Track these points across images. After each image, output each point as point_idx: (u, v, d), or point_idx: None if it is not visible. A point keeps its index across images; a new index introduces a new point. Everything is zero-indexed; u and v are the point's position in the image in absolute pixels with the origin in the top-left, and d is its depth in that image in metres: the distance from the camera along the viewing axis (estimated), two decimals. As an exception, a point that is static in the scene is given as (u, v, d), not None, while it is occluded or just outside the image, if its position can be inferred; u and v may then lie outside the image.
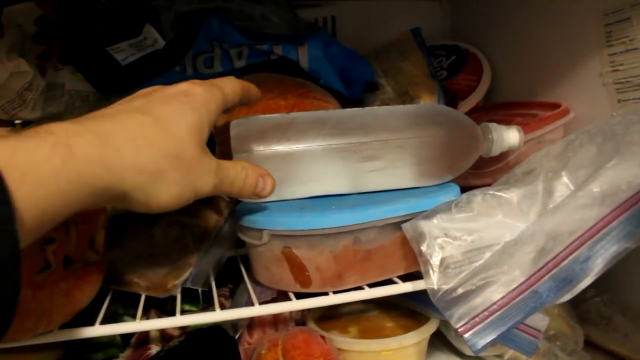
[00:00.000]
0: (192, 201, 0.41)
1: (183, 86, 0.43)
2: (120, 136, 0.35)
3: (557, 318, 0.67)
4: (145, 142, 0.36)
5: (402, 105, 0.58)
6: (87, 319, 0.50)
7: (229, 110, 0.49)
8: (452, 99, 0.86)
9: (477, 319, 0.48)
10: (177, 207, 0.39)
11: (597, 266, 0.47)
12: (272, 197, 0.55)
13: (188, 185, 0.39)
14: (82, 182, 0.32)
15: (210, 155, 0.42)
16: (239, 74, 0.75)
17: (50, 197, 0.30)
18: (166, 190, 0.38)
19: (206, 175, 0.41)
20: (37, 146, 0.30)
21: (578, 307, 0.71)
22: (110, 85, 0.70)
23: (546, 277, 0.48)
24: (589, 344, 0.69)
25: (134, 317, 0.52)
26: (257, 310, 0.53)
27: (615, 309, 0.69)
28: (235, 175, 0.45)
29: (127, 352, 0.63)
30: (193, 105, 0.41)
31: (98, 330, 0.49)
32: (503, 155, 0.65)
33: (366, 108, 0.58)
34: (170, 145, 0.38)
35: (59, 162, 0.30)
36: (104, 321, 0.51)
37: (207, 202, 0.62)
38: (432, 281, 0.49)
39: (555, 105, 0.73)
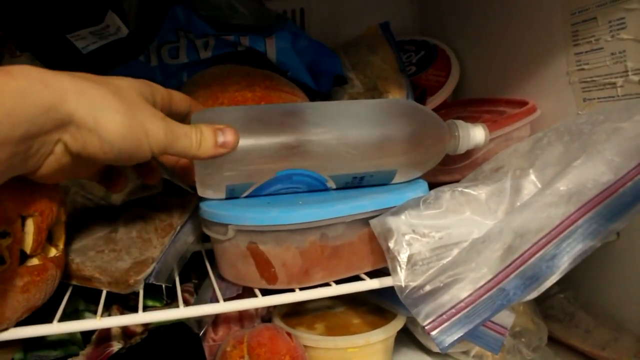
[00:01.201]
0: (147, 149, 0.40)
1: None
2: (64, 77, 0.36)
3: (522, 315, 0.67)
4: (87, 81, 0.37)
5: (370, 101, 0.57)
6: (46, 316, 0.48)
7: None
8: (420, 95, 0.86)
9: (444, 316, 0.48)
10: (130, 143, 0.39)
11: (564, 264, 0.47)
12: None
13: (136, 120, 0.39)
14: (25, 98, 0.33)
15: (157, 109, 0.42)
16: (205, 64, 0.73)
17: None
18: (112, 117, 0.37)
19: (154, 118, 0.40)
20: None
21: (542, 303, 0.72)
22: (71, 74, 0.68)
23: (513, 275, 0.48)
24: (553, 340, 0.70)
25: (95, 313, 0.50)
26: (222, 306, 0.52)
27: (578, 305, 0.71)
28: (188, 131, 0.43)
29: (88, 350, 0.61)
30: (140, 81, 0.43)
31: (56, 327, 0.48)
32: (471, 152, 0.66)
33: (333, 102, 0.57)
34: (112, 88, 0.39)
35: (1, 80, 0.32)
36: (64, 318, 0.49)
37: (171, 195, 0.61)
38: (400, 278, 0.49)
39: (523, 103, 0.73)
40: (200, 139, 0.44)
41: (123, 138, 0.38)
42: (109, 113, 0.37)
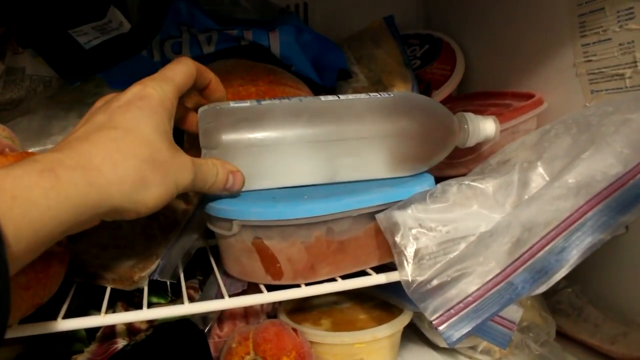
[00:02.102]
0: (174, 197, 0.43)
1: (136, 90, 0.43)
2: (98, 155, 0.37)
3: (530, 309, 0.67)
4: (121, 155, 0.38)
5: (378, 95, 0.57)
6: (51, 313, 0.48)
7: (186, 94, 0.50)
8: (425, 88, 0.85)
9: (452, 311, 0.47)
10: (163, 205, 0.42)
11: (573, 257, 0.46)
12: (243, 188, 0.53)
13: (169, 183, 0.41)
14: (71, 201, 0.34)
15: (182, 151, 0.44)
16: (208, 59, 0.73)
17: (43, 218, 0.32)
18: (151, 194, 0.40)
19: (183, 171, 0.43)
20: (24, 172, 0.32)
21: (550, 298, 0.71)
22: (73, 70, 0.67)
23: (522, 269, 0.47)
24: (561, 335, 0.70)
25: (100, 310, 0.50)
26: (227, 302, 0.52)
27: (586, 299, 0.70)
28: (207, 171, 0.47)
29: (93, 347, 0.61)
30: (151, 107, 0.42)
31: (60, 324, 0.47)
32: (478, 146, 0.65)
33: (340, 97, 0.56)
34: (145, 152, 0.39)
35: (47, 185, 0.32)
36: (68, 315, 0.49)
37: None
38: (407, 273, 0.49)
39: (529, 96, 0.72)
40: (214, 180, 0.48)
41: (158, 205, 0.41)
42: (149, 192, 0.40)
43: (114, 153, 0.38)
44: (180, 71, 0.47)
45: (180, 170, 0.43)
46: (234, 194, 0.51)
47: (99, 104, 0.45)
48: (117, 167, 0.37)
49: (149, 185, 0.39)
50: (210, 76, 0.52)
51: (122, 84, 0.66)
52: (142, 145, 0.40)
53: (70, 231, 0.35)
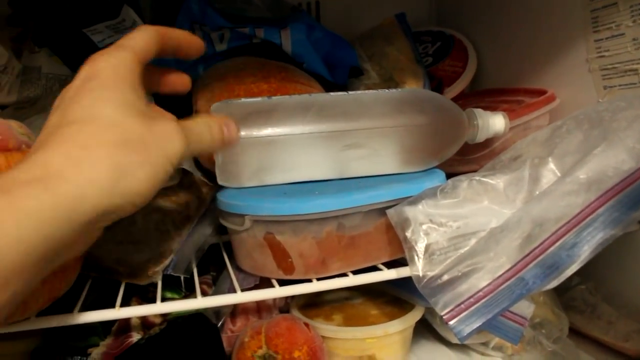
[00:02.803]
0: (173, 171, 0.38)
1: (84, 72, 0.38)
2: (55, 159, 0.32)
3: (543, 306, 0.66)
4: (83, 151, 0.33)
5: (387, 91, 0.57)
6: (67, 306, 0.49)
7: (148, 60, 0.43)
8: (437, 85, 0.85)
9: (462, 306, 0.47)
10: (162, 183, 0.37)
11: (584, 253, 0.46)
12: (255, 183, 0.54)
13: (157, 159, 0.36)
14: (36, 218, 0.29)
15: (163, 118, 0.39)
16: (220, 57, 0.73)
17: (8, 243, 0.28)
18: (138, 179, 0.34)
19: (170, 139, 0.37)
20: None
21: (563, 295, 0.71)
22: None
23: (532, 264, 0.47)
24: (574, 332, 0.70)
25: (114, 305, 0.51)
26: (239, 297, 0.52)
27: (600, 296, 0.70)
28: (201, 130, 0.42)
29: (108, 340, 0.62)
30: (105, 84, 0.37)
31: (77, 317, 0.48)
32: (489, 142, 0.65)
33: (351, 93, 0.57)
34: (112, 136, 0.34)
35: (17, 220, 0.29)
36: (84, 309, 0.49)
37: (189, 187, 0.61)
38: (417, 268, 0.49)
39: (541, 92, 0.72)
40: (210, 137, 0.43)
41: (153, 187, 0.36)
42: (133, 178, 0.34)
43: (74, 151, 0.33)
44: (138, 37, 0.41)
45: (165, 140, 0.37)
46: (233, 144, 0.46)
47: (55, 103, 0.39)
48: (81, 166, 0.32)
49: (130, 171, 0.34)
50: (177, 34, 0.45)
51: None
52: (106, 131, 0.34)
53: (64, 247, 0.31)
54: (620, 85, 0.62)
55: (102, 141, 0.34)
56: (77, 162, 0.32)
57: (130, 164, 0.34)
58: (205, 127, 0.42)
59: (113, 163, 0.33)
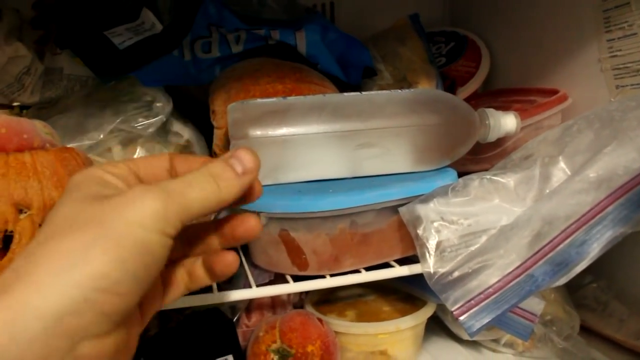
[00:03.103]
0: (166, 245, 0.29)
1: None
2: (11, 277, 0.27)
3: (554, 303, 0.67)
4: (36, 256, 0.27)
5: (400, 91, 0.58)
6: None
7: None
8: (450, 85, 0.86)
9: (472, 302, 0.48)
10: (146, 258, 0.28)
11: (593, 250, 0.47)
12: (269, 181, 0.55)
13: (112, 235, 0.27)
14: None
15: (133, 189, 0.30)
16: (236, 58, 0.75)
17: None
18: (97, 260, 0.26)
19: (131, 203, 0.28)
20: None
21: (575, 293, 0.71)
22: (109, 70, 0.70)
23: (542, 261, 0.48)
24: (585, 329, 0.70)
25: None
26: (254, 292, 0.54)
27: (612, 294, 0.70)
28: (197, 181, 0.31)
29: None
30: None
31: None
32: (501, 141, 0.65)
33: (364, 93, 0.58)
34: (49, 229, 0.28)
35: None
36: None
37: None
38: (429, 264, 0.50)
39: (554, 92, 0.73)
40: (218, 186, 0.32)
41: (121, 266, 0.27)
42: (93, 263, 0.26)
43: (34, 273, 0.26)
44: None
45: (126, 207, 0.28)
46: (253, 175, 0.34)
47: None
48: (50, 284, 0.26)
49: (86, 257, 0.26)
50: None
51: (155, 82, 0.68)
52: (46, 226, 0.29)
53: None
54: (632, 85, 0.63)
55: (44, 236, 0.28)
56: (47, 280, 0.26)
57: (86, 251, 0.27)
58: (203, 178, 0.32)
59: (63, 255, 0.27)
